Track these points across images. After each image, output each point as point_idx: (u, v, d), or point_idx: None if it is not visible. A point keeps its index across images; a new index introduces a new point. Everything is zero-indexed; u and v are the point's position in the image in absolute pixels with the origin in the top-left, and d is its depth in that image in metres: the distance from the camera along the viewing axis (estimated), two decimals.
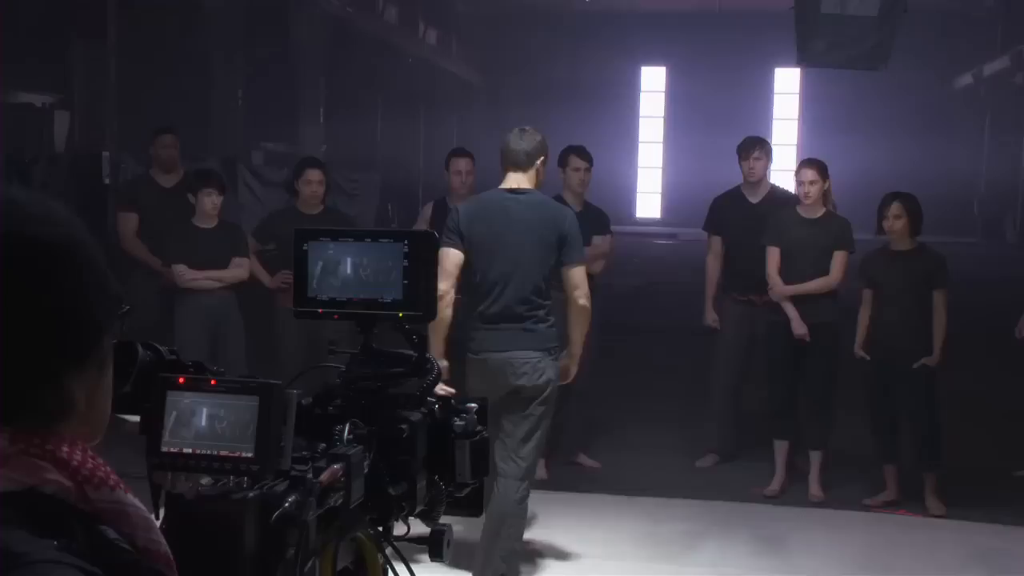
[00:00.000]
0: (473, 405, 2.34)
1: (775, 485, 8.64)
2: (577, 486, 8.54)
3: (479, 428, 2.31)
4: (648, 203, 39.00)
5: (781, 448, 8.70)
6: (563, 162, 8.91)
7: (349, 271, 2.34)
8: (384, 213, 25.23)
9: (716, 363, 9.32)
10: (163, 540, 1.50)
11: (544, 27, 35.66)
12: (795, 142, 35.26)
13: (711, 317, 9.20)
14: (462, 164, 9.05)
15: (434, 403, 2.28)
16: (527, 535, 7.25)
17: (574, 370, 6.55)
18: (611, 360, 10.09)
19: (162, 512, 1.88)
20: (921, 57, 27.78)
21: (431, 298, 2.34)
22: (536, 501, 8.04)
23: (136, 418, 1.90)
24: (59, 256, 1.45)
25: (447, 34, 35.82)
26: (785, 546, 7.51)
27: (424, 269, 2.30)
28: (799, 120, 37.19)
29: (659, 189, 39.01)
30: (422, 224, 9.15)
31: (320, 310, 2.37)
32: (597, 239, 8.83)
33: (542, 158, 6.53)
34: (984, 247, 29.33)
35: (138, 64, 17.39)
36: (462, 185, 8.98)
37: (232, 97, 21.00)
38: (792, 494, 8.57)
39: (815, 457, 8.58)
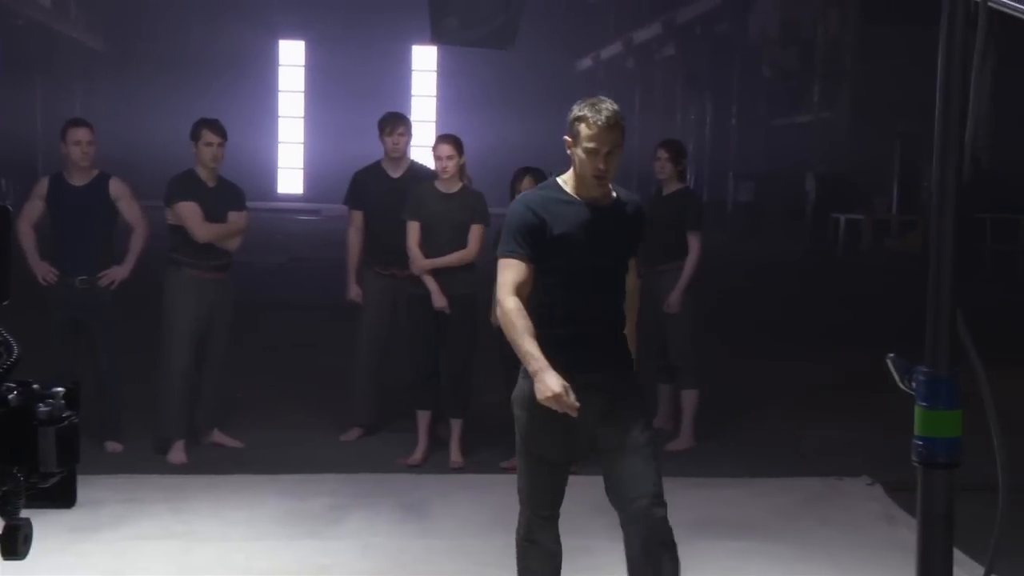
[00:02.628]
0: (60, 390, 2.16)
1: (417, 455, 8.67)
2: (218, 467, 8.35)
3: (67, 414, 2.13)
4: (290, 179, 38.88)
5: (423, 418, 8.75)
6: (195, 136, 8.69)
7: None
8: None
9: (358, 337, 9.28)
10: None
11: None
12: (433, 119, 35.74)
13: (354, 291, 9.14)
14: (80, 134, 8.63)
15: (12, 389, 2.08)
16: (160, 523, 7.11)
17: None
18: (252, 337, 9.95)
19: None
20: (549, 40, 28.60)
21: (4, 276, 2.13)
22: (174, 486, 7.88)
23: None
24: None
25: (77, 5, 34.63)
26: (428, 512, 7.56)
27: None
28: (437, 97, 37.68)
29: (301, 165, 38.91)
30: (36, 200, 8.73)
31: None
32: (233, 215, 8.69)
33: (566, 138, 5.26)
34: None
35: None
36: (83, 156, 8.60)
37: None
38: (434, 462, 8.63)
39: (456, 425, 8.66)
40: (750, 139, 29.81)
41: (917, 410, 2.91)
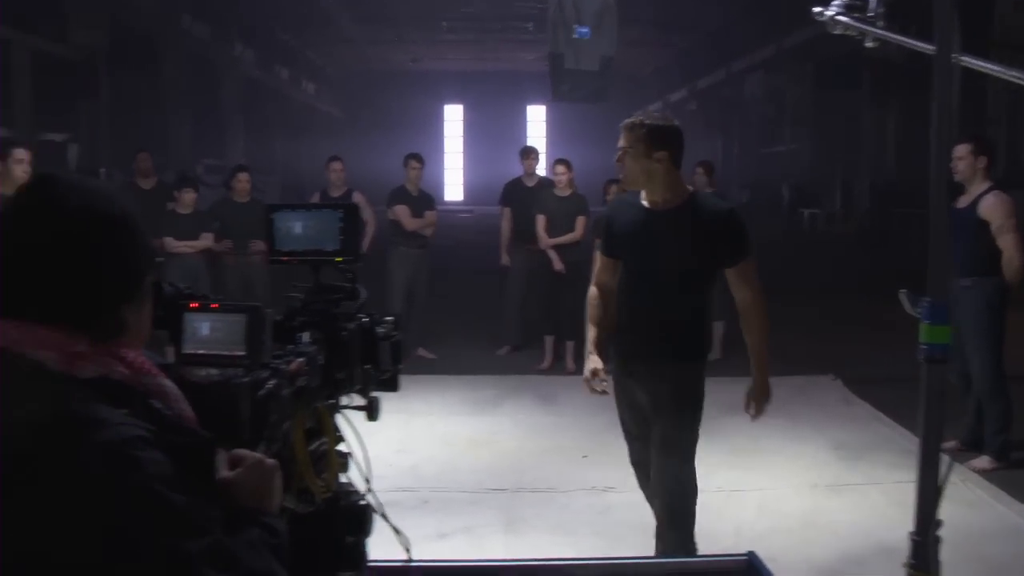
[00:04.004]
0: (391, 318, 2.19)
1: (545, 364, 8.62)
2: (423, 370, 8.36)
3: (394, 333, 2.17)
4: (453, 191, 39.02)
5: (549, 340, 8.69)
6: (405, 163, 8.75)
7: (301, 231, 2.17)
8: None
9: (508, 288, 9.20)
10: (189, 408, 1.47)
11: (385, 79, 35.47)
12: (543, 150, 35.77)
13: (505, 259, 9.09)
14: (336, 165, 8.79)
15: (363, 317, 2.12)
16: (390, 404, 7.13)
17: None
18: (440, 289, 9.95)
19: None
20: (617, 98, 28.26)
21: (358, 247, 2.18)
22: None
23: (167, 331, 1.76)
24: (119, 224, 1.41)
25: (321, 86, 35.40)
26: (554, 400, 7.49)
27: (353, 228, 2.16)
28: (545, 137, 37.66)
29: (460, 181, 39.17)
30: None
31: (284, 258, 2.19)
32: (428, 213, 8.69)
33: None
34: None
35: (121, 111, 16.77)
36: (338, 178, 8.73)
37: (182, 130, 20.48)
38: (556, 368, 8.54)
39: (570, 344, 8.54)
40: (746, 161, 29.41)
41: (922, 326, 2.75)
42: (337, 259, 2.16)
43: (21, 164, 6.24)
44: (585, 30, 10.83)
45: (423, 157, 8.81)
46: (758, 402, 3.76)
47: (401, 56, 32.47)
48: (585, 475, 5.70)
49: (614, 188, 8.28)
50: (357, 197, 8.78)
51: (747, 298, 3.69)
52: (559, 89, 11.30)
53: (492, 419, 6.87)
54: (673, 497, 3.71)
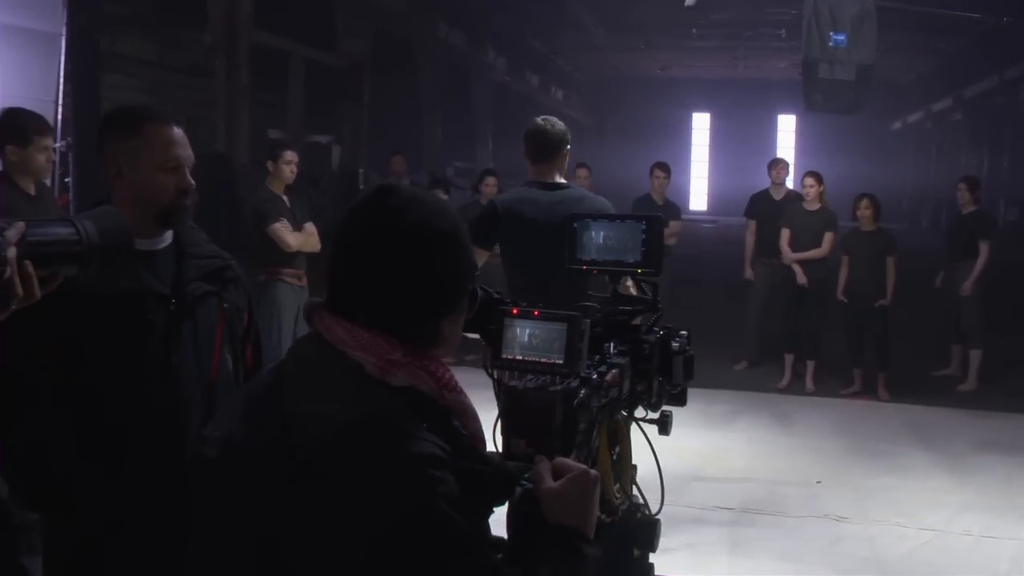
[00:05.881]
0: (684, 333, 2.16)
1: (784, 382, 8.38)
2: None
3: (687, 347, 2.14)
4: (698, 200, 38.59)
5: (788, 358, 8.43)
6: (651, 172, 8.73)
7: (603, 241, 2.15)
8: None
9: (750, 302, 8.97)
10: (482, 429, 1.51)
11: (633, 86, 35.61)
12: (792, 162, 34.62)
13: (748, 272, 8.87)
14: (581, 172, 9.04)
15: (659, 331, 2.11)
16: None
17: None
18: (677, 303, 9.84)
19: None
20: (872, 109, 26.89)
21: (660, 260, 2.13)
22: None
23: (475, 335, 1.81)
24: (450, 239, 1.44)
25: (569, 92, 35.91)
26: (791, 420, 7.30)
27: (655, 241, 2.11)
28: (794, 147, 36.56)
29: (705, 191, 38.70)
30: None
31: (584, 267, 2.17)
32: (674, 223, 8.61)
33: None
34: (908, 231, 28.44)
35: (380, 115, 17.71)
36: (582, 185, 8.82)
37: (435, 134, 21.29)
38: (795, 387, 8.28)
39: (810, 364, 8.28)
40: (1017, 176, 27.22)
41: None
42: (638, 271, 2.13)
43: (289, 165, 6.32)
44: (841, 37, 10.35)
45: (669, 166, 8.78)
46: None
47: (649, 63, 32.38)
48: (818, 502, 5.51)
49: (865, 202, 7.97)
50: (599, 203, 8.88)
51: None
52: (811, 99, 10.89)
53: (724, 435, 6.76)
54: None
